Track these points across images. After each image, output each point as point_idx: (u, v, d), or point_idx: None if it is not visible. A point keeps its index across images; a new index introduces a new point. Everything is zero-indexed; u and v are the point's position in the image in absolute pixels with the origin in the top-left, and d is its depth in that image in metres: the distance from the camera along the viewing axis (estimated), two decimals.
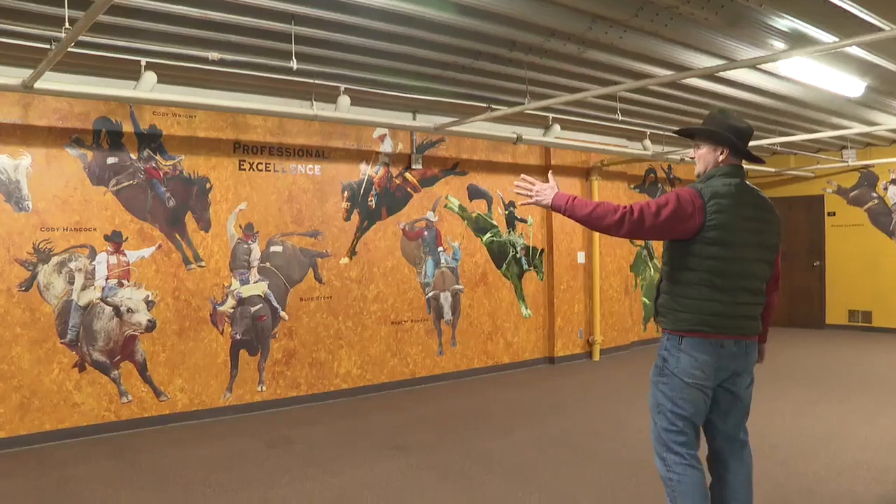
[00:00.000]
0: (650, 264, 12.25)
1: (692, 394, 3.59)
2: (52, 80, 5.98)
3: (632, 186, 11.94)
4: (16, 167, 6.75)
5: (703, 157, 3.74)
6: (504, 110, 7.63)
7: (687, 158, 10.80)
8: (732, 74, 7.29)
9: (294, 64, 5.77)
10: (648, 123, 9.85)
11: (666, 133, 10.49)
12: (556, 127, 9.04)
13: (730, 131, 3.63)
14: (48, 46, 5.25)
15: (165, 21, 5.48)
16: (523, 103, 7.27)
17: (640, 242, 12.03)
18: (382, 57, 6.58)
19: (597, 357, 11.00)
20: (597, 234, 10.91)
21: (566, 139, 9.54)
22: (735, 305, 3.57)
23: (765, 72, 7.29)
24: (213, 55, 5.82)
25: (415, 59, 6.71)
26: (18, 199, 6.75)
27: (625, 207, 3.51)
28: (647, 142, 10.29)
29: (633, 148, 10.81)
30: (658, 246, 12.33)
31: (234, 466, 6.07)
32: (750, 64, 5.87)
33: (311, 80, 7.05)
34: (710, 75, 6.97)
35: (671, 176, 12.80)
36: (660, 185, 12.58)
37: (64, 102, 6.91)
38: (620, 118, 8.29)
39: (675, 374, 3.61)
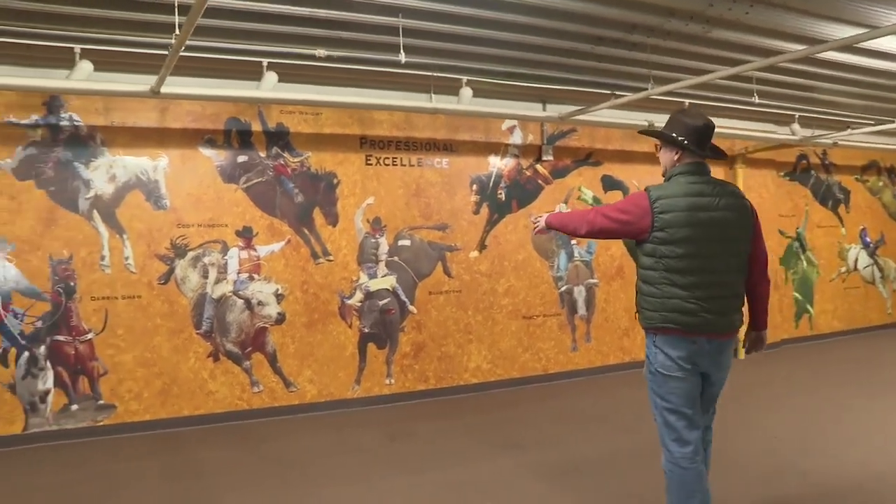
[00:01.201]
0: (802, 257, 11.56)
1: (676, 385, 3.75)
2: (177, 85, 6.27)
3: (781, 174, 11.27)
4: (154, 167, 7.12)
5: (662, 158, 3.93)
6: (628, 97, 7.38)
7: (840, 142, 10.15)
8: (877, 44, 6.71)
9: (402, 57, 5.77)
10: (794, 106, 9.25)
11: (817, 115, 9.86)
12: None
13: (685, 131, 3.75)
14: (166, 52, 5.47)
15: (273, 21, 5.63)
16: (647, 89, 6.99)
17: (792, 234, 11.38)
18: (499, 46, 6.52)
19: (741, 356, 10.45)
20: None
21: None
22: (697, 301, 3.66)
23: None
24: (321, 52, 5.92)
25: (533, 48, 6.60)
26: (157, 197, 7.11)
27: (588, 213, 3.88)
28: (796, 125, 9.70)
29: (781, 133, 10.20)
30: (812, 239, 11.65)
31: (353, 458, 6.15)
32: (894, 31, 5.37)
33: (429, 73, 7.04)
34: (850, 47, 6.43)
35: (826, 162, 11.97)
36: (813, 172, 11.80)
37: (196, 105, 7.23)
38: (757, 101, 7.82)
39: (657, 370, 3.79)
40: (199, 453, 6.38)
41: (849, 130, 10.03)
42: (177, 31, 4.82)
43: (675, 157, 3.81)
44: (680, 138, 3.75)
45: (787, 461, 5.59)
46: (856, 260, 12.34)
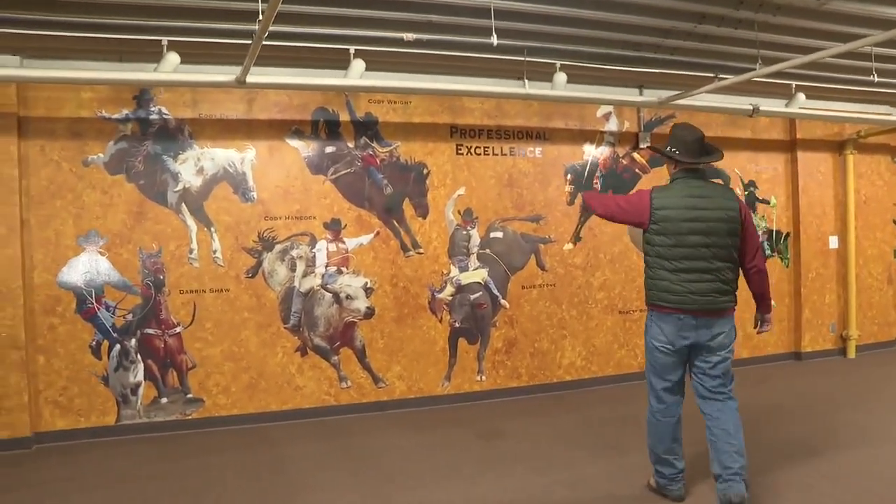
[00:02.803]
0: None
1: (660, 356, 4.68)
2: (263, 74, 6.15)
3: (895, 160, 10.63)
4: (242, 160, 7.03)
5: (667, 165, 4.93)
6: (731, 79, 6.95)
7: None
8: None
9: (494, 40, 5.49)
10: None
11: None
12: (801, 96, 8.13)
13: (678, 144, 4.68)
14: (250, 41, 5.33)
15: (359, 5, 5.46)
16: (754, 69, 6.56)
17: None
18: (593, 27, 6.21)
19: (852, 354, 9.90)
20: (852, 216, 9.82)
21: (813, 109, 8.57)
22: (682, 283, 4.51)
23: None
24: (409, 36, 5.69)
25: (630, 28, 6.27)
26: (245, 190, 7.02)
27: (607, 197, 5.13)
28: None
29: None
30: None
31: (440, 457, 5.95)
32: None
33: (521, 58, 6.76)
34: None
35: None
36: None
37: (283, 96, 7.11)
38: (877, 80, 7.25)
39: (648, 338, 4.76)
40: (285, 449, 6.28)
41: None
42: (259, 17, 4.65)
43: (674, 165, 4.75)
44: (674, 150, 4.68)
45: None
46: None
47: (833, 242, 9.90)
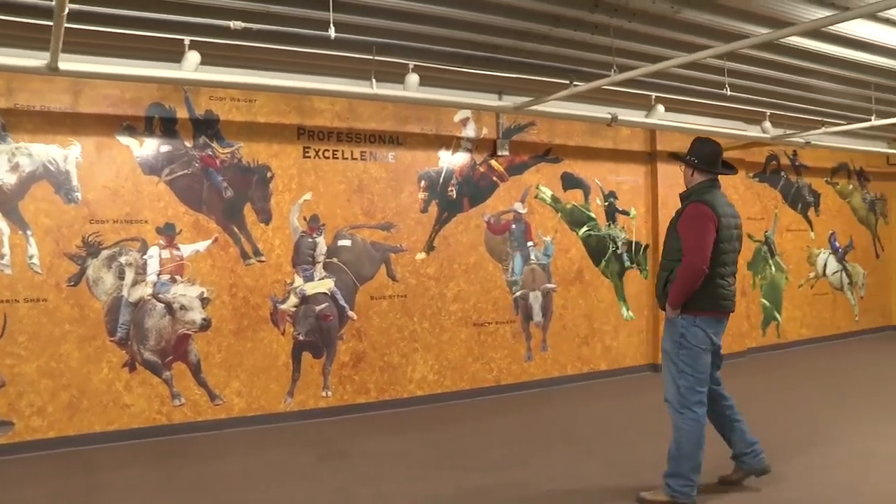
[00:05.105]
0: (771, 262, 11.07)
1: (705, 362, 4.86)
2: (82, 62, 5.61)
3: (750, 175, 10.77)
4: (65, 157, 6.44)
5: (687, 173, 5.10)
6: (584, 86, 6.76)
7: (813, 142, 9.65)
8: (863, 33, 6.21)
9: (332, 33, 5.11)
10: (768, 100, 8.66)
11: (789, 114, 9.35)
12: (660, 108, 8.06)
13: (704, 155, 4.98)
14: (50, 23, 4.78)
15: None
16: (609, 76, 6.38)
17: (760, 238, 10.89)
18: (446, 26, 5.89)
19: None
20: None
21: (671, 121, 8.54)
22: (730, 287, 4.93)
23: None
24: (236, 24, 5.24)
25: (484, 28, 5.98)
26: (68, 189, 6.44)
27: (686, 265, 4.72)
28: (767, 123, 9.15)
29: (752, 132, 9.66)
30: (781, 243, 11.16)
31: (277, 481, 5.54)
32: (868, 12, 4.75)
33: (370, 56, 6.40)
34: (821, 34, 6.07)
35: (796, 163, 11.49)
36: (783, 173, 11.32)
37: (115, 89, 6.57)
38: (729, 93, 7.22)
39: (693, 345, 4.81)
40: (104, 476, 5.71)
41: (822, 129, 9.54)
42: None
43: (699, 174, 4.98)
44: (699, 161, 4.96)
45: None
46: (825, 265, 11.97)
47: None
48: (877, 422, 6.81)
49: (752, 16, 5.73)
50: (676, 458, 4.78)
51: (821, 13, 5.51)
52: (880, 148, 12.19)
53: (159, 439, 6.64)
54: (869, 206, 12.81)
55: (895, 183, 13.15)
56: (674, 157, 5.41)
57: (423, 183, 7.99)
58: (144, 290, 6.68)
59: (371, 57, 6.39)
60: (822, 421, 6.92)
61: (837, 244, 12.20)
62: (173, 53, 5.93)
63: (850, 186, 12.52)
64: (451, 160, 8.19)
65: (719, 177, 5.05)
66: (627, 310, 9.53)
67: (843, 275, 12.33)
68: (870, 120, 8.87)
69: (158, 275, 6.73)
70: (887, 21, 5.96)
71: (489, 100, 7.88)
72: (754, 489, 5.10)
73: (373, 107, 7.64)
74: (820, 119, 9.72)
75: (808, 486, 5.14)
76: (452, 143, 8.19)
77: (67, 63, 5.30)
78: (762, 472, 5.05)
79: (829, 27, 5.66)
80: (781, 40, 6.13)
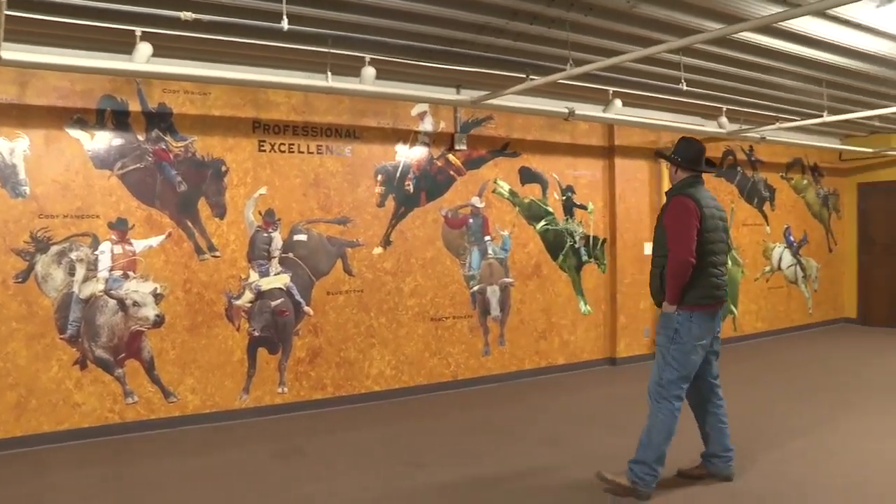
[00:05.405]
0: (728, 256, 11.14)
1: (696, 358, 4.93)
2: (26, 52, 5.49)
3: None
4: (11, 150, 6.27)
5: (671, 170, 5.24)
6: (540, 80, 6.75)
7: (768, 137, 9.74)
8: (814, 31, 6.28)
9: (285, 24, 5.03)
10: (724, 95, 8.74)
11: (745, 109, 9.43)
12: (618, 102, 8.09)
13: (687, 153, 5.10)
14: None
15: None
16: (565, 70, 6.37)
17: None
18: (402, 18, 5.83)
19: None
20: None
21: (629, 116, 8.56)
22: (721, 277, 5.04)
23: (857, 26, 6.21)
24: (187, 14, 5.13)
25: (441, 21, 5.94)
26: (14, 184, 6.27)
27: (672, 258, 4.84)
28: (724, 119, 9.24)
29: (709, 127, 9.73)
30: (737, 238, 11.26)
31: (230, 480, 5.46)
32: (817, 9, 4.83)
33: (326, 49, 6.32)
34: (772, 29, 6.11)
35: (752, 158, 11.60)
36: (739, 168, 11.41)
37: (65, 80, 6.41)
38: (685, 88, 7.27)
39: (688, 341, 4.87)
40: (56, 476, 5.58)
41: (777, 125, 9.65)
42: None
43: (682, 171, 5.11)
44: (681, 159, 5.10)
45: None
46: (779, 259, 12.12)
47: (648, 249, 9.97)
48: (834, 415, 6.91)
49: (707, 11, 5.75)
50: (645, 446, 4.85)
51: (773, 9, 5.57)
52: (833, 144, 12.43)
53: (111, 438, 6.52)
54: (822, 200, 13.01)
55: (848, 178, 13.36)
56: (659, 154, 5.53)
57: (379, 177, 7.93)
58: (96, 287, 6.55)
59: (327, 50, 6.33)
60: (779, 413, 7.01)
61: (792, 238, 12.37)
62: (125, 45, 5.82)
63: (805, 181, 12.68)
64: (409, 154, 8.13)
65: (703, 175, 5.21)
66: (585, 304, 9.56)
67: (798, 268, 12.52)
68: (822, 116, 9.01)
69: (110, 271, 6.60)
70: (836, 19, 6.04)
71: (446, 94, 7.84)
72: (714, 483, 5.13)
73: (329, 100, 7.56)
74: (775, 115, 9.85)
75: (766, 477, 5.19)
76: (410, 137, 8.14)
77: (11, 52, 5.20)
78: (726, 479, 5.13)
79: (781, 23, 5.76)
80: (736, 36, 6.24)
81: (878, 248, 13.04)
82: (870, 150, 12.10)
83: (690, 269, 4.78)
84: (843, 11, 5.79)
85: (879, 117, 10.11)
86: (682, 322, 4.83)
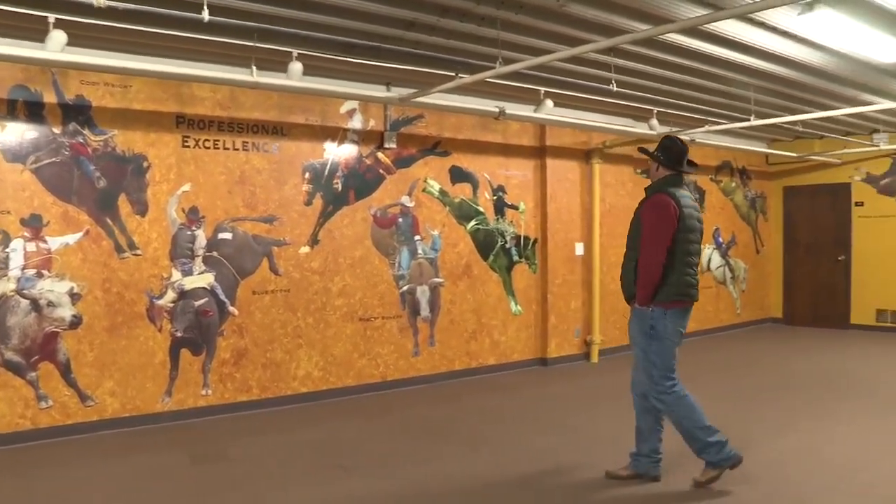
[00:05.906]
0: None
1: (674, 349, 5.02)
2: None
3: (638, 171, 10.89)
4: None
5: (653, 169, 5.30)
6: (469, 78, 6.68)
7: (697, 139, 9.84)
8: (740, 35, 6.33)
9: (206, 15, 4.86)
10: (655, 98, 8.80)
11: (675, 112, 9.52)
12: (549, 103, 8.06)
13: (670, 153, 5.15)
14: None
15: None
16: (495, 68, 6.30)
17: None
18: (331, 13, 5.69)
19: (595, 359, 10.07)
20: (596, 223, 10.07)
21: (560, 116, 8.54)
22: (695, 276, 5.07)
23: (782, 32, 6.28)
24: (101, 1, 4.91)
25: (370, 17, 5.81)
26: None
27: (644, 258, 4.95)
28: (654, 121, 9.30)
29: (640, 129, 9.77)
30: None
31: (145, 488, 5.24)
32: (740, 13, 4.90)
33: (251, 43, 6.16)
34: (698, 32, 6.18)
35: None
36: None
37: None
38: (615, 89, 7.28)
39: (665, 338, 4.96)
40: None
41: (706, 128, 9.77)
42: None
43: (662, 169, 5.14)
44: (664, 157, 5.14)
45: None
46: (709, 260, 12.28)
47: (579, 249, 10.02)
48: (765, 414, 6.99)
49: (635, 12, 5.75)
50: (690, 435, 4.93)
51: (699, 12, 5.59)
52: (760, 148, 12.66)
53: (23, 445, 6.22)
54: (750, 203, 13.28)
55: (774, 182, 13.67)
56: (642, 151, 5.57)
57: (307, 175, 7.77)
58: (7, 286, 6.26)
59: (252, 44, 6.16)
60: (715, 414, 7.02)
61: (721, 240, 12.58)
62: (38, 32, 5.56)
63: (733, 184, 12.93)
64: (337, 152, 7.98)
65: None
66: (516, 304, 9.52)
67: (726, 269, 12.74)
68: (749, 120, 9.13)
69: (23, 269, 6.32)
70: (762, 24, 6.10)
71: (376, 91, 7.72)
72: (648, 483, 5.10)
73: (256, 96, 7.38)
74: (704, 118, 9.96)
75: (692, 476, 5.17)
76: (338, 134, 7.99)
77: None
78: (653, 479, 5.15)
79: (709, 26, 5.81)
80: (666, 39, 6.29)
81: (802, 248, 13.35)
82: (794, 154, 12.35)
83: (661, 271, 4.85)
84: (767, 17, 5.88)
85: (803, 122, 10.32)
86: (657, 318, 4.91)
